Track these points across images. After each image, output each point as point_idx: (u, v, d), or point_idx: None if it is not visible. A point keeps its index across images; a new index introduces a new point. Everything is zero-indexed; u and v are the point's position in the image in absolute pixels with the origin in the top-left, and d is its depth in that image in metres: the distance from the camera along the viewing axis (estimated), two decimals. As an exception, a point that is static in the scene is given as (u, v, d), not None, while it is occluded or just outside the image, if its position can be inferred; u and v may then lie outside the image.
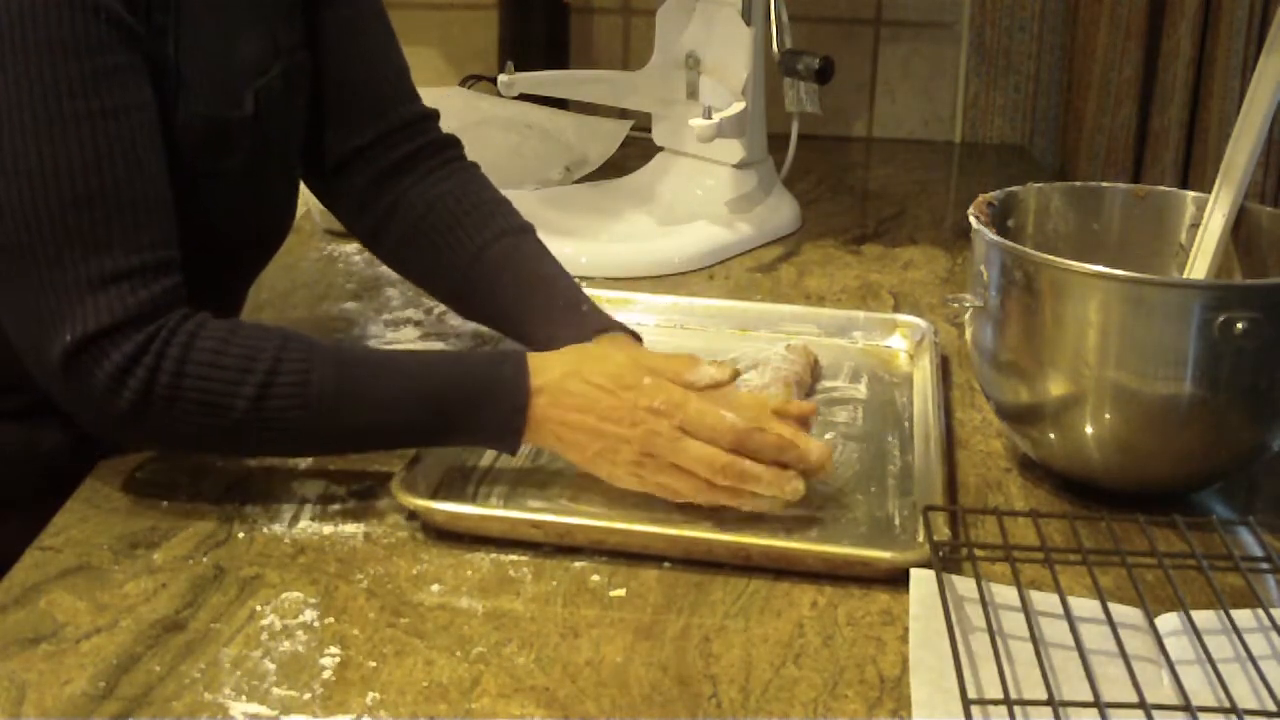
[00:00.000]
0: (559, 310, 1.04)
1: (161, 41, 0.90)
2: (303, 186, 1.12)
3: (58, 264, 0.83)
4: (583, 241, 1.41)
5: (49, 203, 0.83)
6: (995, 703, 0.68)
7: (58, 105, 0.83)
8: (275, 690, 0.72)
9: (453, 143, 1.14)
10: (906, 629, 0.78)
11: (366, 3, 1.10)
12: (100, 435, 0.92)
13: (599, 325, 1.01)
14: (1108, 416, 0.90)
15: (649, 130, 1.63)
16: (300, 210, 1.13)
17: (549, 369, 0.91)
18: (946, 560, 0.82)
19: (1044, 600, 0.80)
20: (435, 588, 0.83)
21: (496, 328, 1.11)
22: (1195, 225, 1.02)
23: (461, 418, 0.90)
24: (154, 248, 0.87)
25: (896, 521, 0.92)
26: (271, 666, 0.74)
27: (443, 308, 1.26)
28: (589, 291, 1.19)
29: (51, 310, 0.83)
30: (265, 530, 0.88)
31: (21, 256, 0.84)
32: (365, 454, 0.95)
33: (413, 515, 0.90)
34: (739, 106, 1.44)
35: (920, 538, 0.84)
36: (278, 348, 0.87)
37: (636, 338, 1.01)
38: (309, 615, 0.79)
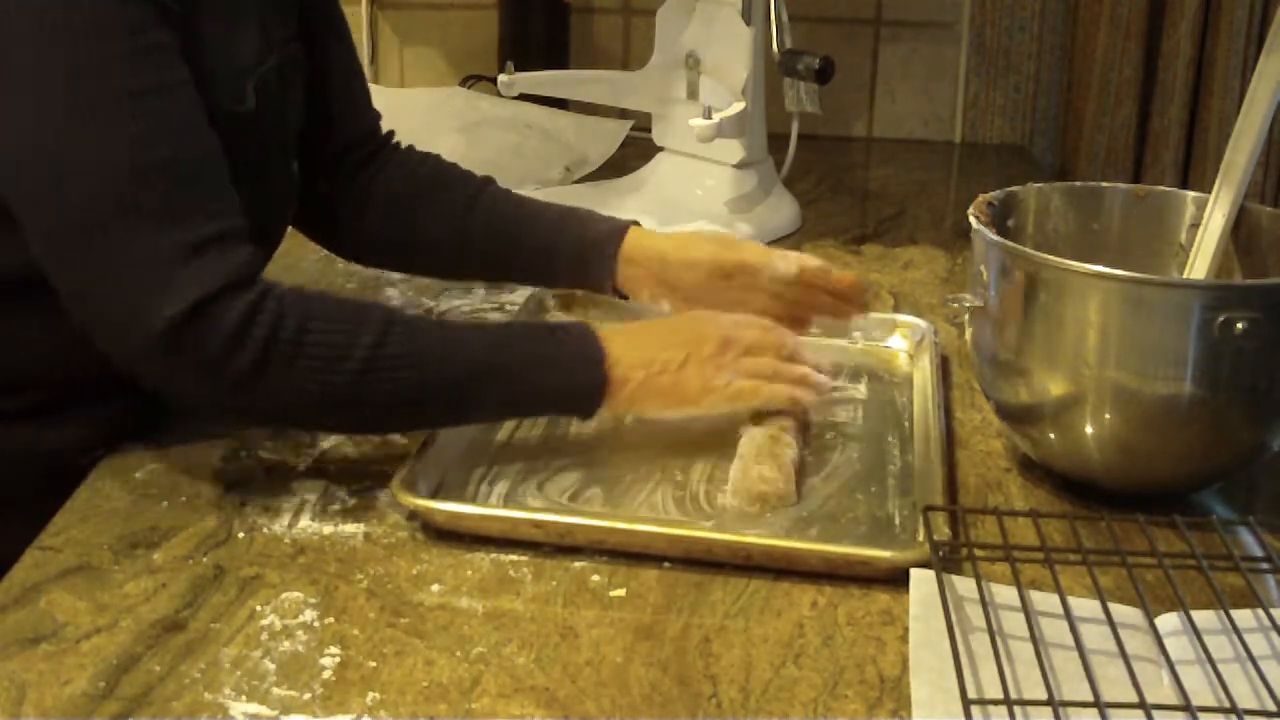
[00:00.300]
0: (578, 214, 1.15)
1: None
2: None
3: (141, 240, 0.83)
4: (583, 241, 1.41)
5: (119, 180, 0.83)
6: (995, 703, 0.68)
7: (108, 83, 0.83)
8: (275, 690, 0.72)
9: (391, 134, 1.21)
10: (906, 629, 0.78)
11: (335, 4, 1.14)
12: (201, 405, 0.92)
13: (616, 220, 1.14)
14: (1108, 416, 0.90)
15: (649, 130, 1.63)
16: (300, 210, 1.14)
17: (607, 332, 0.97)
18: (946, 560, 0.82)
19: (1044, 600, 0.80)
20: (435, 588, 0.83)
21: (506, 262, 1.18)
22: (1195, 225, 1.02)
23: (542, 381, 0.93)
24: (230, 215, 0.87)
25: (897, 521, 0.92)
26: (271, 666, 0.74)
27: (443, 307, 1.27)
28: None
29: (147, 284, 0.83)
30: (265, 530, 0.88)
31: (98, 236, 0.83)
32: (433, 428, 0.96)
33: (413, 515, 0.90)
34: (739, 106, 1.44)
35: (920, 537, 0.84)
36: (385, 310, 0.90)
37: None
38: (309, 615, 0.79)
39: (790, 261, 1.11)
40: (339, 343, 0.86)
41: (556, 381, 0.94)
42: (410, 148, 1.21)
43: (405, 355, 0.88)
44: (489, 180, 1.19)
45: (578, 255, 1.14)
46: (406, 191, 1.16)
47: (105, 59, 0.83)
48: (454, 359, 0.91)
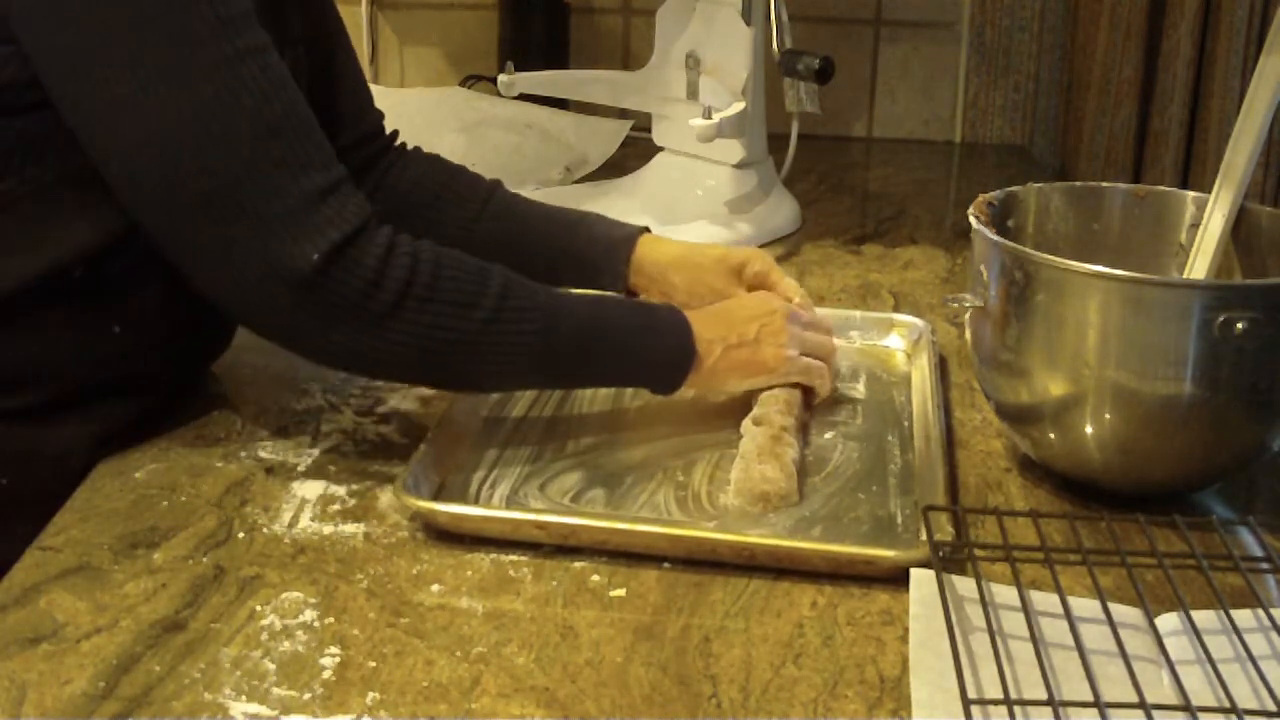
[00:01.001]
0: (588, 221, 1.18)
1: None
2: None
3: (273, 192, 0.85)
4: (583, 241, 1.41)
5: (245, 139, 0.85)
6: (995, 703, 0.68)
7: (217, 48, 0.85)
8: (275, 690, 0.72)
9: (395, 134, 1.23)
10: (906, 629, 0.78)
11: (333, 5, 1.15)
12: (332, 353, 0.91)
13: (626, 225, 1.17)
14: (1108, 416, 0.90)
15: (649, 130, 1.63)
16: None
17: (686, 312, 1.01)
18: (947, 560, 0.82)
19: (1044, 600, 0.80)
20: (435, 588, 0.83)
21: (515, 257, 1.17)
22: (1195, 225, 1.02)
23: (640, 348, 0.97)
24: (336, 163, 0.90)
25: (899, 520, 0.92)
26: (271, 666, 0.74)
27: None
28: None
29: (284, 235, 0.85)
30: (265, 530, 0.88)
31: (231, 197, 0.85)
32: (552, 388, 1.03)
33: (414, 516, 0.90)
34: (739, 106, 1.44)
35: (922, 537, 0.84)
36: (503, 268, 0.93)
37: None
38: (309, 615, 0.79)
39: (793, 286, 1.14)
40: (470, 290, 0.90)
41: (654, 349, 0.98)
42: (416, 149, 1.22)
43: (529, 308, 0.92)
44: (497, 184, 1.20)
45: (589, 263, 1.17)
46: (415, 195, 1.17)
47: (204, 23, 0.85)
48: (569, 316, 0.94)
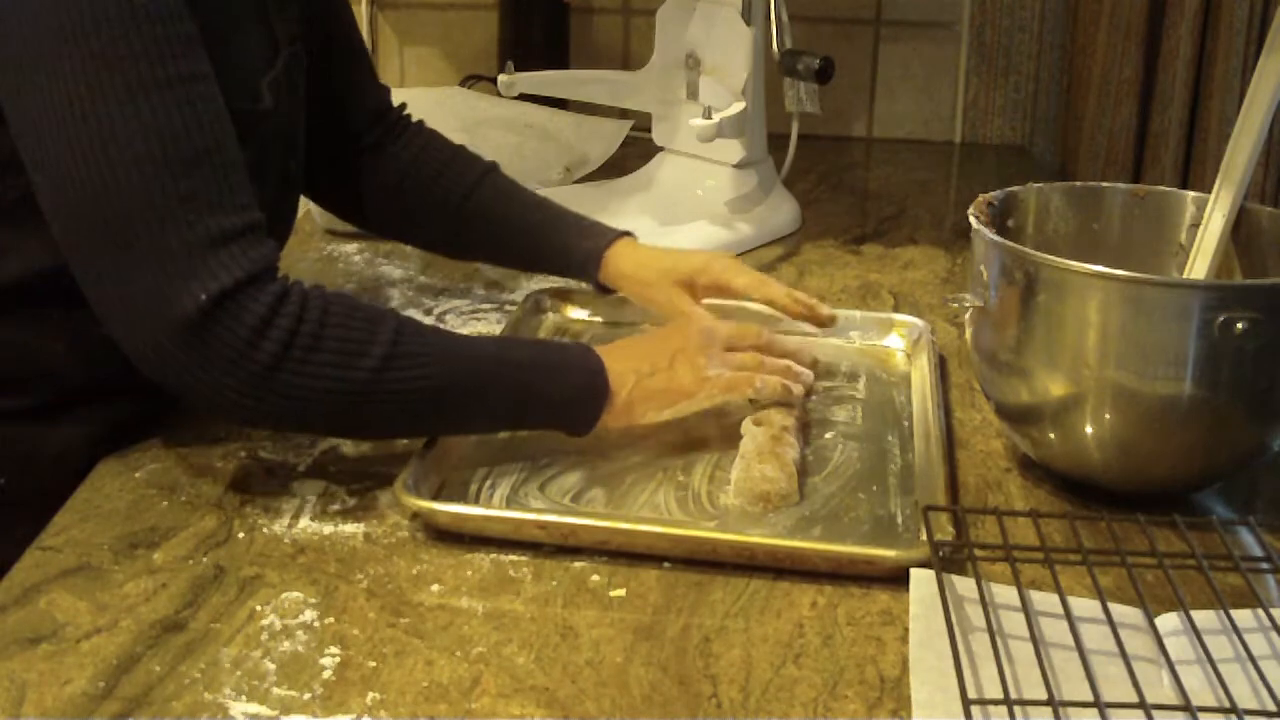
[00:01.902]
0: (566, 223, 1.20)
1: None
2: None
3: (174, 227, 0.83)
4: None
5: (157, 167, 0.83)
6: (995, 703, 0.68)
7: (148, 70, 0.83)
8: (275, 690, 0.72)
9: (402, 106, 1.25)
10: (906, 629, 0.78)
11: None
12: (213, 403, 0.88)
13: (604, 232, 1.19)
14: (1108, 416, 0.90)
15: (649, 130, 1.63)
16: (300, 210, 1.14)
17: (598, 348, 0.99)
18: (947, 560, 0.82)
19: (1044, 600, 0.80)
20: (435, 588, 0.83)
21: (499, 252, 1.24)
22: (1195, 225, 1.02)
23: (546, 387, 0.95)
24: (253, 208, 0.88)
25: (899, 520, 0.92)
26: (271, 666, 0.74)
27: (442, 308, 1.27)
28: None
29: (176, 272, 0.83)
30: (265, 530, 0.88)
31: (132, 224, 0.83)
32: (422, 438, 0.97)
33: (414, 515, 0.90)
34: (739, 106, 1.44)
35: (923, 536, 0.84)
36: (397, 314, 0.92)
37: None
38: (309, 615, 0.79)
39: (752, 283, 1.15)
40: (358, 339, 0.87)
41: (562, 386, 0.95)
42: (420, 124, 1.24)
43: (420, 355, 0.89)
44: (493, 167, 1.22)
45: (565, 270, 1.21)
46: (415, 172, 1.20)
47: (145, 45, 0.83)
48: (466, 359, 0.92)
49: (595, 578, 0.84)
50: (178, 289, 0.83)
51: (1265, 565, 0.86)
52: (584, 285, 1.23)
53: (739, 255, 1.45)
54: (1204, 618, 0.78)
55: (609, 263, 1.18)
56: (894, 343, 1.20)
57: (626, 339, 1.07)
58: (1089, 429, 0.91)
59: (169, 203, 0.83)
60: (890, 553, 0.84)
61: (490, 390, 0.92)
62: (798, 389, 1.04)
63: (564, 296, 1.26)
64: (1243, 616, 0.78)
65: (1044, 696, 0.68)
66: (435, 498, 0.91)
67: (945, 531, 0.84)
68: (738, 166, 1.52)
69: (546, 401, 0.95)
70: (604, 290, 1.20)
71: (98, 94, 0.82)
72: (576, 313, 1.26)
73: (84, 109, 0.82)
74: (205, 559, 0.85)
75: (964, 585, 0.80)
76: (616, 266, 1.18)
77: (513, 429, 1.01)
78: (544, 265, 1.22)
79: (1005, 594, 0.80)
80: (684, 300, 1.16)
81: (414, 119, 1.25)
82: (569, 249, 1.19)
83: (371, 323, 0.88)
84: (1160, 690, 0.72)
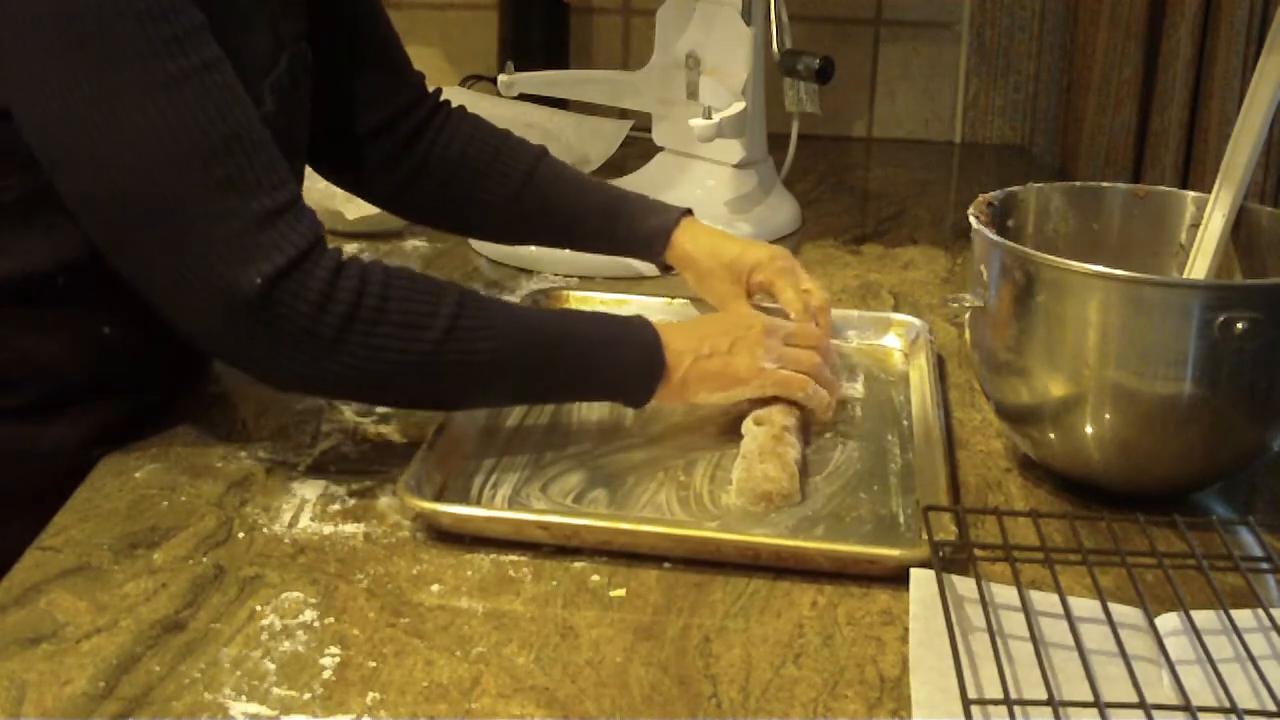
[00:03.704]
0: (629, 202, 1.19)
1: None
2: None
3: (217, 217, 0.84)
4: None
5: (188, 162, 0.84)
6: (995, 703, 0.69)
7: (162, 65, 0.84)
8: (275, 690, 0.72)
9: (443, 97, 1.22)
10: (906, 629, 0.78)
11: None
12: (279, 376, 0.90)
13: (666, 209, 1.18)
14: (1108, 416, 0.90)
15: (649, 130, 1.63)
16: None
17: (658, 324, 0.99)
18: (947, 560, 0.82)
19: (1044, 600, 0.80)
20: (435, 588, 0.83)
21: (562, 235, 1.22)
22: (1195, 225, 1.02)
23: (605, 360, 0.96)
24: (292, 182, 0.89)
25: (901, 520, 0.92)
26: (271, 666, 0.74)
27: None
28: (587, 293, 1.25)
29: (229, 260, 0.84)
30: (265, 530, 0.88)
31: (174, 222, 0.84)
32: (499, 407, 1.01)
33: (417, 516, 0.89)
34: (739, 106, 1.44)
35: (923, 536, 0.84)
36: (458, 285, 0.92)
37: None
38: (309, 615, 0.79)
39: (792, 299, 1.13)
40: (421, 310, 0.88)
41: (620, 360, 0.97)
42: (460, 109, 1.21)
43: (483, 326, 0.90)
44: (542, 154, 1.20)
45: (630, 252, 1.21)
46: (465, 166, 1.18)
47: (156, 41, 0.84)
48: (528, 330, 0.94)
49: (595, 578, 0.84)
50: (235, 275, 0.84)
51: (1265, 565, 0.86)
52: (596, 279, 1.26)
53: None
54: (1204, 618, 0.78)
55: (676, 243, 1.17)
56: (892, 342, 1.20)
57: (691, 319, 1.08)
58: (1089, 429, 0.91)
59: (208, 195, 0.84)
60: (894, 552, 0.84)
61: (550, 362, 0.94)
62: (832, 408, 1.05)
63: (563, 297, 1.26)
64: (1243, 616, 0.78)
65: (1044, 696, 0.68)
66: (437, 499, 0.91)
67: (946, 531, 0.84)
68: (738, 166, 1.52)
69: (604, 374, 0.97)
70: (666, 269, 1.20)
71: (115, 98, 0.83)
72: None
73: (104, 115, 0.83)
74: (205, 559, 0.85)
75: (964, 585, 0.80)
76: (683, 247, 1.17)
77: (571, 400, 1.04)
78: (609, 246, 1.21)
79: (1005, 594, 0.80)
80: (737, 299, 1.16)
81: (453, 104, 1.23)
82: (634, 228, 1.18)
83: (434, 294, 0.90)
84: (1160, 690, 0.72)
